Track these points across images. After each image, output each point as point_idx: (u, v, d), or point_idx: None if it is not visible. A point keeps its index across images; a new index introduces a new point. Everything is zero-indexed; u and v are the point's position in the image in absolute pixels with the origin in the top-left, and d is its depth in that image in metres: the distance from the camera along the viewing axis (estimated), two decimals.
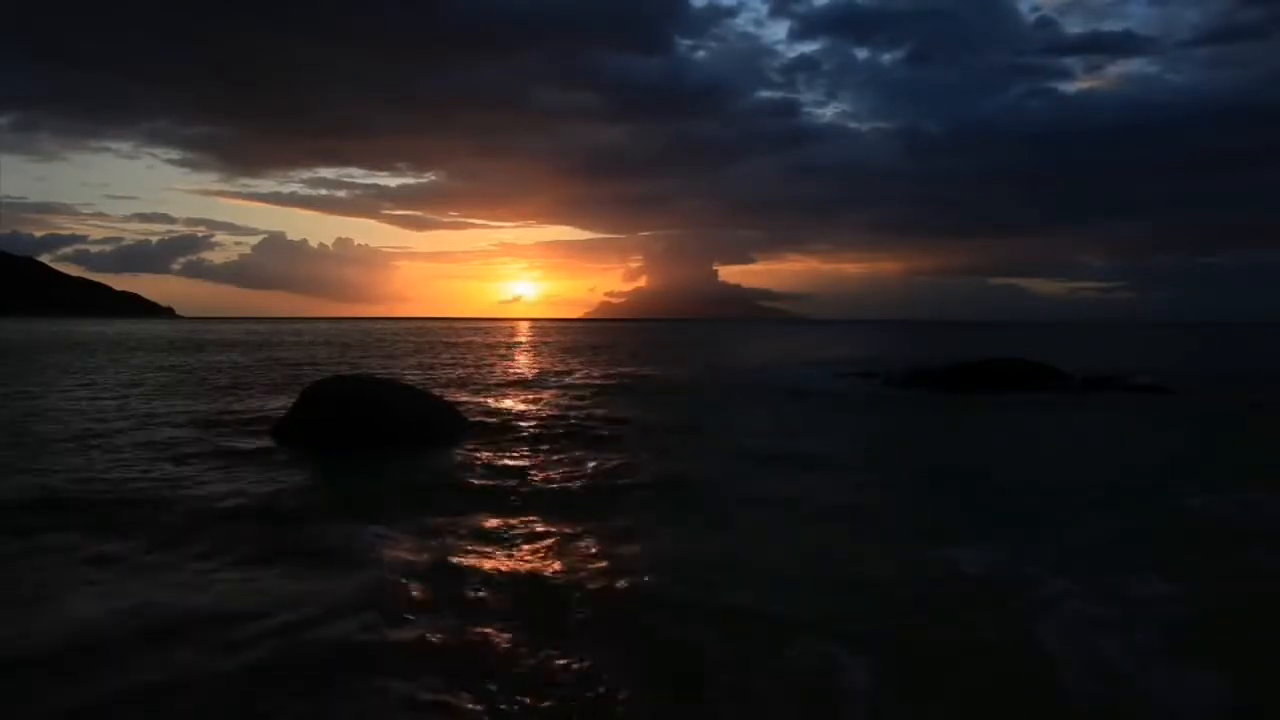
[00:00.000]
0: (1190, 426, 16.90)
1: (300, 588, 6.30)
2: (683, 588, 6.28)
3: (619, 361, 38.70)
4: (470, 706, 4.42)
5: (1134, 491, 9.92)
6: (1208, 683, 4.65)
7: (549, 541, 7.57)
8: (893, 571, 6.66)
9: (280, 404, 17.11)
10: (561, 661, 4.97)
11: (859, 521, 8.35)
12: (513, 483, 10.16)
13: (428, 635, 5.38)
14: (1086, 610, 5.69)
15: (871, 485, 10.24)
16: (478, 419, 15.90)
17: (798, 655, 5.01)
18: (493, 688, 4.61)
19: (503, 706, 4.41)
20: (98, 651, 5.07)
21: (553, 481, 10.30)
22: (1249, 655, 5.15)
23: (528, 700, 4.48)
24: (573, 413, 17.56)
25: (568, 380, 27.18)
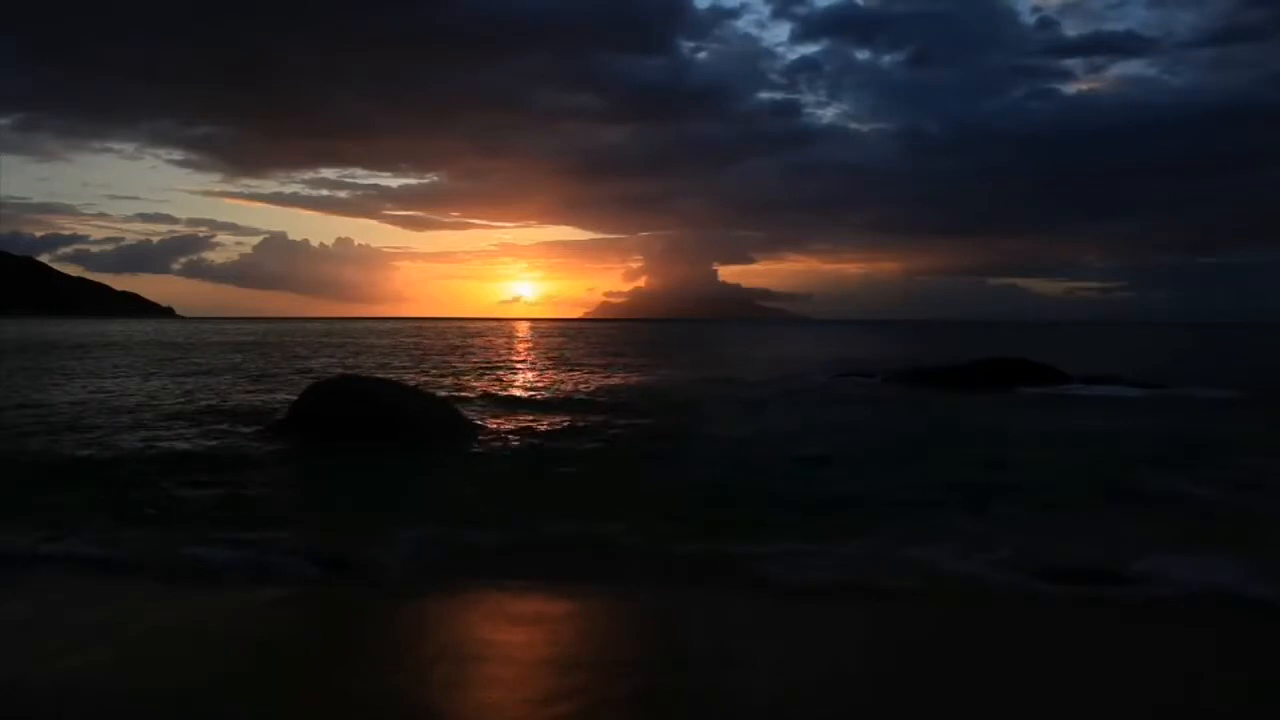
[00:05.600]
0: (1182, 422, 16.88)
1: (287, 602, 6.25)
2: None
3: (621, 362, 38.66)
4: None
5: (1105, 473, 10.71)
6: None
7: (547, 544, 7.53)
8: None
9: (280, 402, 17.07)
10: None
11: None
12: (513, 482, 10.13)
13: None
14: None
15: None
16: (479, 419, 15.86)
17: None
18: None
19: None
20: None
21: (555, 482, 10.26)
22: None
23: None
24: (579, 413, 17.51)
25: (570, 381, 27.14)
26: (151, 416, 15.91)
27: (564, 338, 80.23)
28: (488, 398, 20.60)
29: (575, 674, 4.78)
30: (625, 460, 11.81)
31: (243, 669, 4.80)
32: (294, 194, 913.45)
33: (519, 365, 35.54)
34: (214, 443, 12.70)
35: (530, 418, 16.54)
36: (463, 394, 21.27)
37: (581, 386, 24.46)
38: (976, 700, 4.49)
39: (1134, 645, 5.38)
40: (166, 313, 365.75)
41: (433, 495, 9.43)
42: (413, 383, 19.65)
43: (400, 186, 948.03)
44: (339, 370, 28.04)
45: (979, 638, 5.58)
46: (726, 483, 10.15)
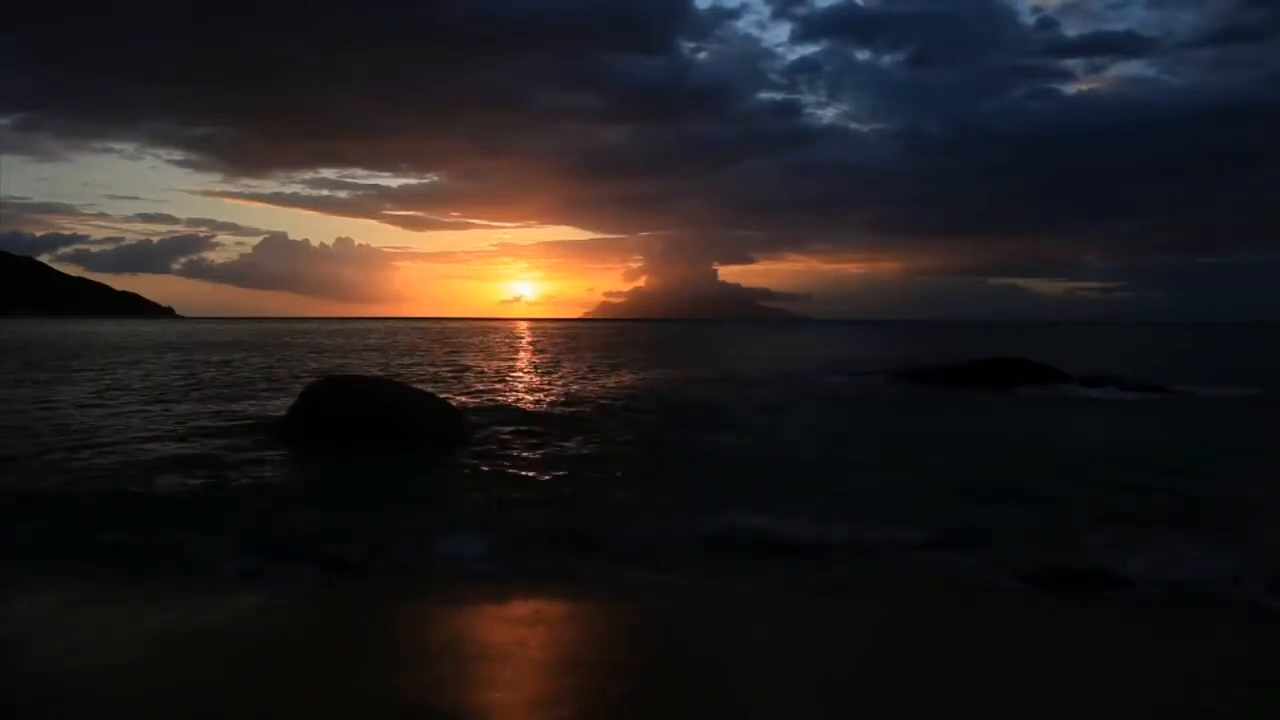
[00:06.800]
0: (1182, 422, 16.90)
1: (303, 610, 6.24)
2: None
3: (620, 362, 38.64)
4: None
5: (1104, 473, 10.72)
6: None
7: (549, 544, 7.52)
8: None
9: (280, 403, 17.07)
10: None
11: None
12: (512, 483, 10.12)
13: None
14: None
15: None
16: (478, 418, 15.85)
17: None
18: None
19: None
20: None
21: (554, 483, 10.25)
22: None
23: None
24: (578, 413, 17.51)
25: (570, 381, 27.13)
26: (151, 418, 15.91)
27: (564, 338, 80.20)
28: (487, 397, 20.59)
29: (575, 674, 4.78)
30: (624, 461, 11.79)
31: (244, 669, 4.81)
32: (294, 194, 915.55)
33: (519, 365, 35.53)
34: (214, 443, 12.69)
35: (530, 418, 16.54)
36: (462, 394, 21.26)
37: (581, 387, 24.45)
38: (977, 700, 4.49)
39: (1133, 645, 5.39)
40: (166, 313, 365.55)
41: (432, 496, 9.43)
42: (412, 383, 19.64)
43: (400, 186, 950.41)
44: (339, 370, 28.03)
45: (979, 638, 5.58)
46: (725, 483, 10.15)
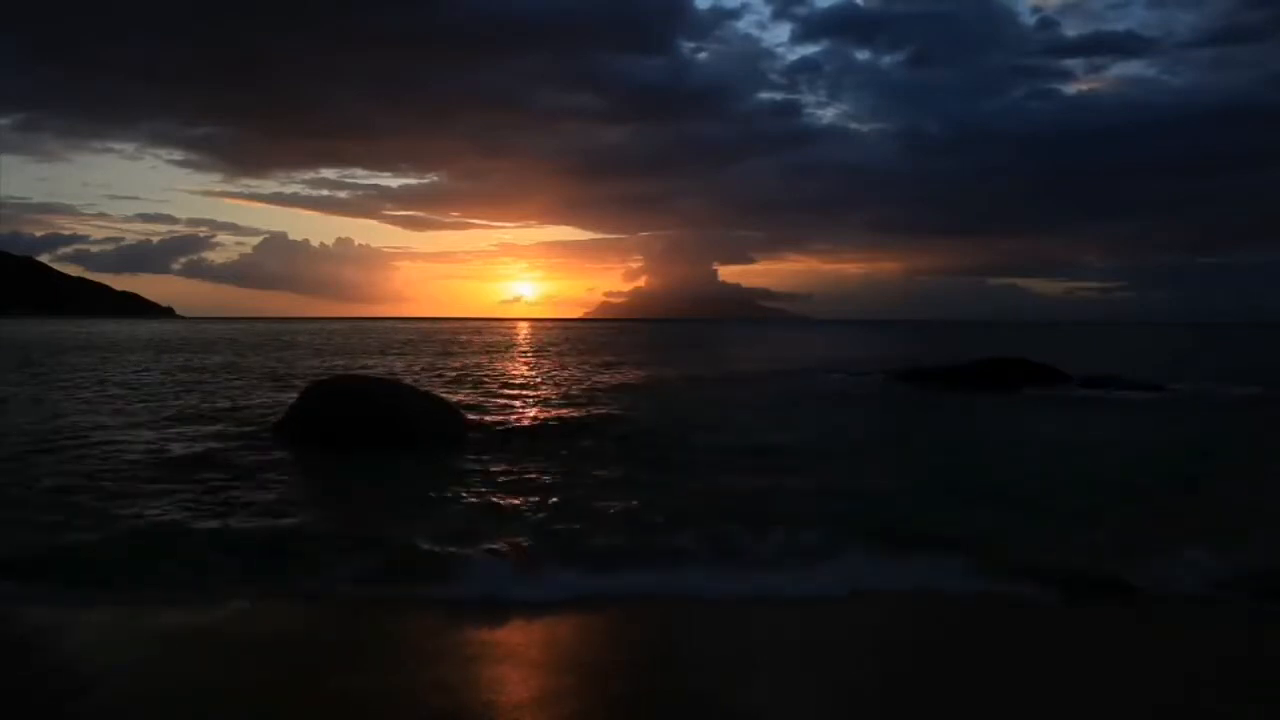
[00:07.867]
0: (1181, 422, 16.90)
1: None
2: None
3: (620, 362, 38.64)
4: None
5: (1104, 474, 10.32)
6: None
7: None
8: None
9: (280, 402, 17.06)
10: None
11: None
12: (510, 483, 10.12)
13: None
14: None
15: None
16: (478, 419, 15.85)
17: None
18: None
19: None
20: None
21: (552, 484, 10.25)
22: None
23: None
24: (578, 413, 17.51)
25: (570, 382, 27.13)
26: (150, 418, 15.91)
27: (564, 338, 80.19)
28: (487, 398, 20.59)
29: (575, 674, 4.79)
30: (623, 462, 11.78)
31: (244, 669, 4.81)
32: (294, 194, 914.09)
33: (518, 366, 35.52)
34: (212, 443, 12.69)
35: (529, 418, 16.55)
36: (462, 394, 21.26)
37: (581, 387, 24.45)
38: (978, 701, 4.49)
39: (1134, 646, 5.39)
40: (166, 313, 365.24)
41: (431, 496, 9.42)
42: (411, 382, 19.65)
43: (400, 186, 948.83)
44: (339, 370, 28.04)
45: (979, 640, 5.58)
46: (725, 484, 10.15)
